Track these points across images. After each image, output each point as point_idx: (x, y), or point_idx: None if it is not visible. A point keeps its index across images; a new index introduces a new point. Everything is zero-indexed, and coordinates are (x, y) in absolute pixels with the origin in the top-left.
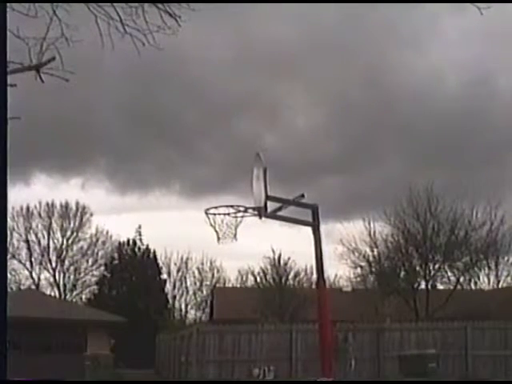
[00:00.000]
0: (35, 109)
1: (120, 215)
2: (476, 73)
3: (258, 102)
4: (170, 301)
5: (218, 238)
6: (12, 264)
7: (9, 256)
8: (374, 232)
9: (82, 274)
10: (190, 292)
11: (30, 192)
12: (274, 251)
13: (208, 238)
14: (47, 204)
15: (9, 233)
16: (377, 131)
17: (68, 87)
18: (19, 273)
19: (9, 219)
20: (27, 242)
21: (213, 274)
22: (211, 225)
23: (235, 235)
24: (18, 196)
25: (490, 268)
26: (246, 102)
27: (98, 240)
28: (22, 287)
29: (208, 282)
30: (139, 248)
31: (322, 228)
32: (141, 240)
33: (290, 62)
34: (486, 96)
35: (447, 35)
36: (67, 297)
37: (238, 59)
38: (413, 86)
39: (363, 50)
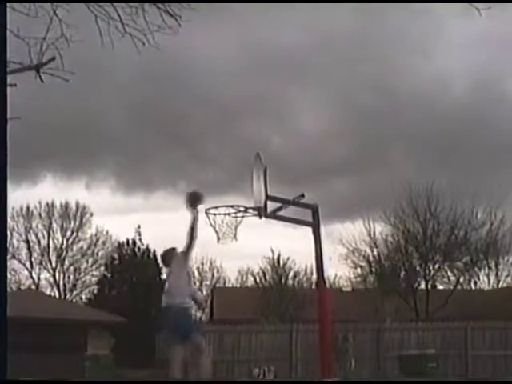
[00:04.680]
0: (38, 109)
1: (125, 215)
2: (482, 77)
3: (264, 103)
4: None
5: (218, 238)
6: (12, 264)
7: (9, 256)
8: (374, 232)
9: (82, 274)
10: None
11: (37, 192)
12: (273, 251)
13: (208, 238)
14: (47, 204)
15: (9, 233)
16: (380, 134)
17: (71, 87)
18: (19, 273)
19: (9, 219)
20: (27, 242)
21: (213, 274)
22: (211, 225)
23: (235, 235)
24: (24, 196)
25: (490, 268)
26: (252, 103)
27: (98, 240)
28: (22, 287)
29: (208, 282)
30: (139, 248)
31: (324, 229)
32: (140, 240)
33: (295, 65)
34: (492, 100)
35: (454, 40)
36: (67, 297)
37: (245, 61)
38: (419, 90)
39: (370, 55)
